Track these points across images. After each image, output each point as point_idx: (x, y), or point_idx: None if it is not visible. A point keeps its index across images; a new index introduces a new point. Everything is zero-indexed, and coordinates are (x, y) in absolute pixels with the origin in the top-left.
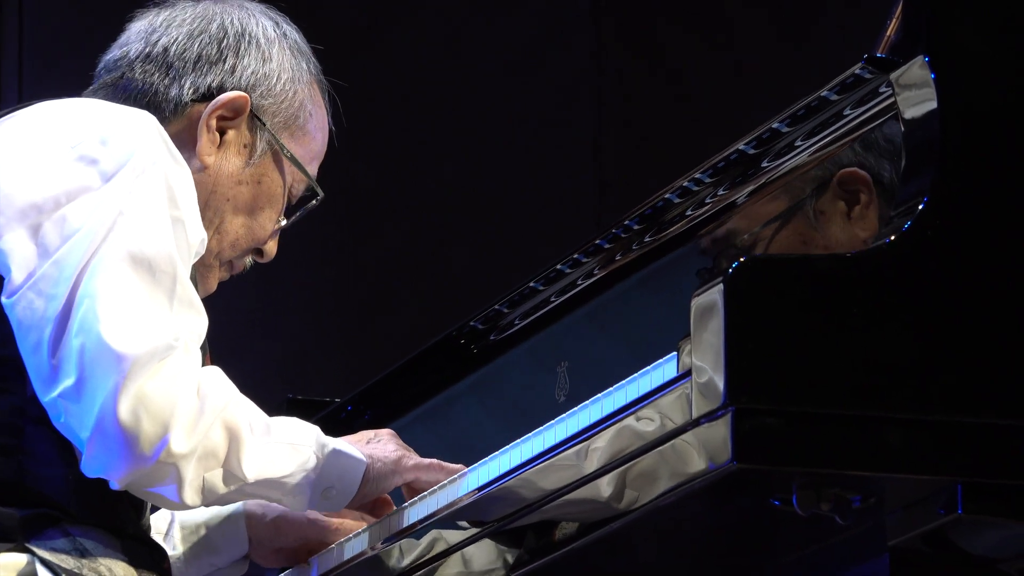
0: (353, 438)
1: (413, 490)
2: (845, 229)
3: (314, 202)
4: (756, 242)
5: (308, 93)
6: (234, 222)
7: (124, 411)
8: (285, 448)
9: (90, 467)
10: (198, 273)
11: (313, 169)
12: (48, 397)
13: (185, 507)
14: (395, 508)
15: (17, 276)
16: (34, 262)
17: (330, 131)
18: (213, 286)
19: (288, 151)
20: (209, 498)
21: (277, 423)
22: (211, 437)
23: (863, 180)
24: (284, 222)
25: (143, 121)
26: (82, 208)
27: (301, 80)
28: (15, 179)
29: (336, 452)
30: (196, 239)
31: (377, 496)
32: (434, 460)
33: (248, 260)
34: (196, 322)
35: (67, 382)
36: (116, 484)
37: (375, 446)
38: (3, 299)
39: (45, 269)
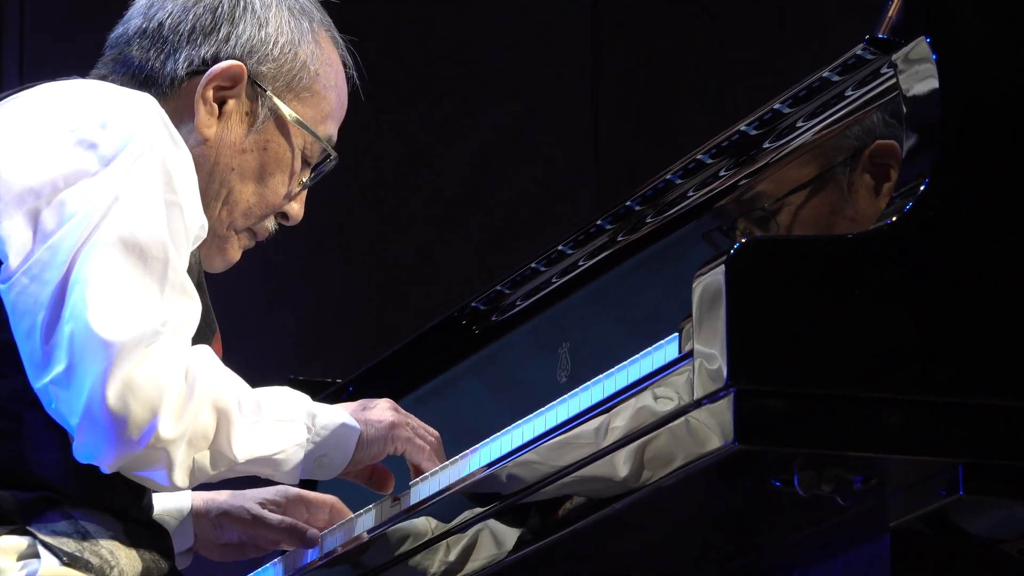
0: (349, 405)
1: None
2: (872, 204)
3: (329, 162)
4: (783, 208)
5: (312, 52)
6: (244, 191)
7: (112, 397)
8: (275, 426)
9: (80, 452)
10: (215, 245)
11: (327, 128)
12: (40, 383)
13: (176, 489)
14: (393, 478)
15: (13, 261)
16: (30, 247)
17: (355, 85)
18: (235, 256)
19: (292, 114)
20: (200, 478)
21: (267, 400)
22: (200, 419)
23: (896, 154)
24: (305, 181)
25: (143, 104)
26: (79, 193)
27: (303, 41)
28: (14, 163)
29: (329, 421)
30: (195, 224)
31: (371, 462)
32: (428, 441)
33: (271, 225)
34: (187, 307)
35: (58, 368)
36: (106, 469)
37: (370, 412)
38: None
39: (39, 254)
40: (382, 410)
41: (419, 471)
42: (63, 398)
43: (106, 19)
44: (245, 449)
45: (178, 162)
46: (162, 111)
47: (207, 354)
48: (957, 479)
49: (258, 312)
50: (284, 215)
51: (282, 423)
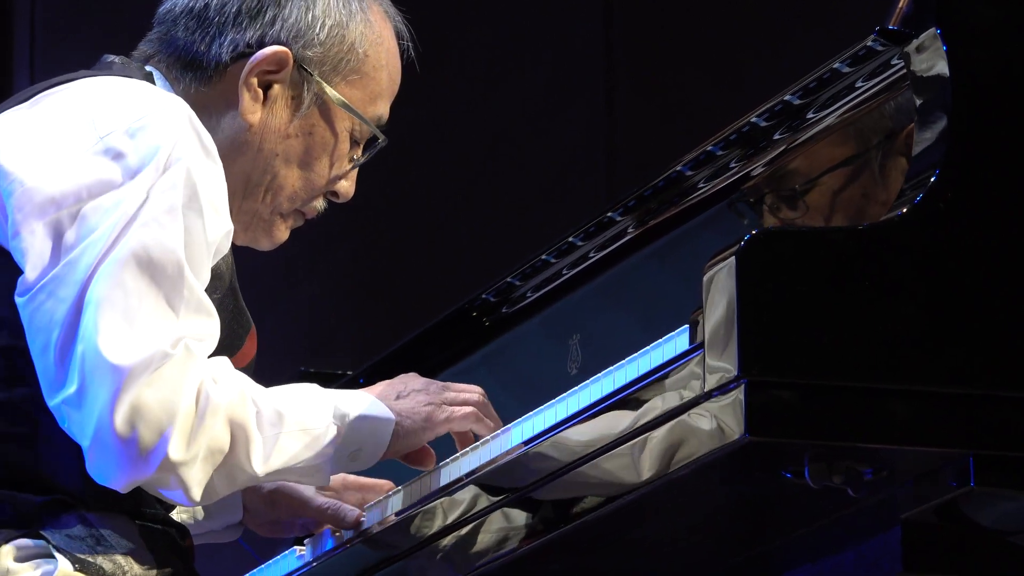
0: (379, 389)
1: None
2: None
3: (379, 143)
4: (814, 188)
5: (361, 33)
6: (289, 176)
7: (120, 422)
8: (298, 435)
9: (93, 473)
10: (261, 228)
11: (376, 108)
12: (53, 402)
13: (194, 505)
14: (433, 455)
15: (31, 274)
16: (49, 261)
17: (407, 58)
18: (282, 237)
19: (339, 98)
20: (221, 493)
21: (291, 408)
22: (216, 438)
23: None
24: (356, 160)
25: (174, 111)
26: (101, 206)
27: (351, 22)
28: (38, 170)
29: (361, 416)
30: (218, 234)
31: (409, 450)
32: (469, 410)
33: (321, 204)
34: (203, 325)
35: (70, 389)
36: (121, 490)
37: (403, 402)
38: (17, 297)
39: (58, 270)
40: (415, 397)
41: (468, 440)
42: (75, 419)
43: (112, 14)
44: (265, 464)
45: (205, 172)
46: (193, 116)
47: (224, 368)
48: (968, 471)
49: (269, 303)
50: (335, 193)
51: (306, 432)
